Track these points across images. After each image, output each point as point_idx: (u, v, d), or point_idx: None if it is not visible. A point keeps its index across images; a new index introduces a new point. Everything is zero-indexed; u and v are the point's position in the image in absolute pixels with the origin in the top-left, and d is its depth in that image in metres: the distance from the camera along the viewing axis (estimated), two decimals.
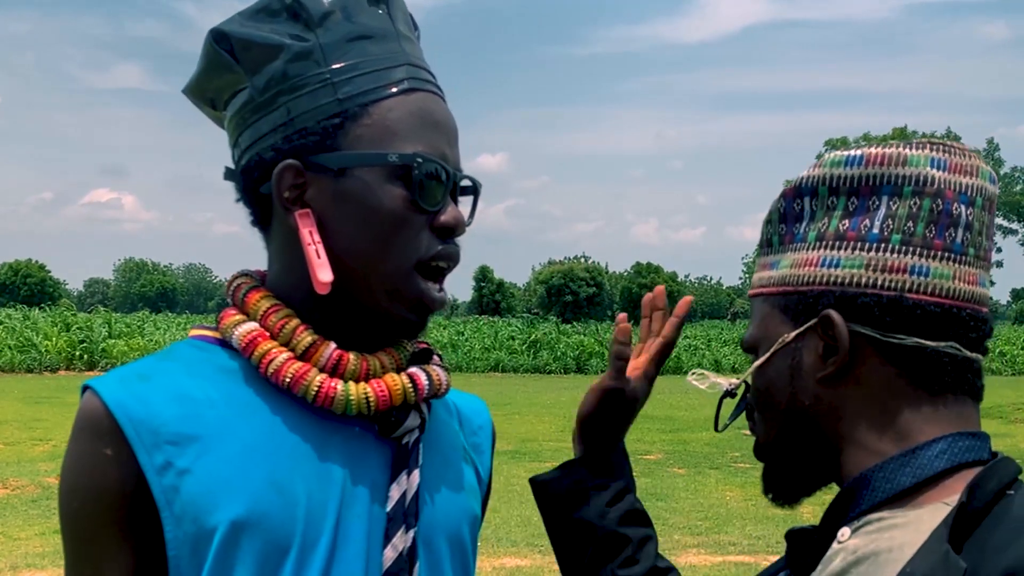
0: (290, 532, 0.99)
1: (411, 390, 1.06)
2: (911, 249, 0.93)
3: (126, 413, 0.98)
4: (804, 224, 0.99)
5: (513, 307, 76.98)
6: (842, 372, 0.94)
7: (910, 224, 0.93)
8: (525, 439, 13.12)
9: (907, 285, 0.92)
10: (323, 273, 1.02)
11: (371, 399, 1.03)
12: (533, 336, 31.99)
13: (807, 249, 0.97)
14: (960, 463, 0.90)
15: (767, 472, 1.04)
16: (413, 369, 1.09)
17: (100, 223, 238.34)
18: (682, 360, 30.30)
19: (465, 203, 1.14)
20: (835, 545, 0.93)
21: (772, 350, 0.98)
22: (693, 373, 1.17)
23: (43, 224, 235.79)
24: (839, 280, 0.94)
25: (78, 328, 27.90)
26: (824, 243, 0.96)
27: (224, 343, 1.08)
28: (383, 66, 1.06)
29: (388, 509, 1.04)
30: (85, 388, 1.02)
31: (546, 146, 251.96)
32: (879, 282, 0.93)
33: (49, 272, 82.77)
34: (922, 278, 0.92)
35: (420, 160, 1.04)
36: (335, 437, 1.05)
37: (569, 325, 42.28)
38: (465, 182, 1.12)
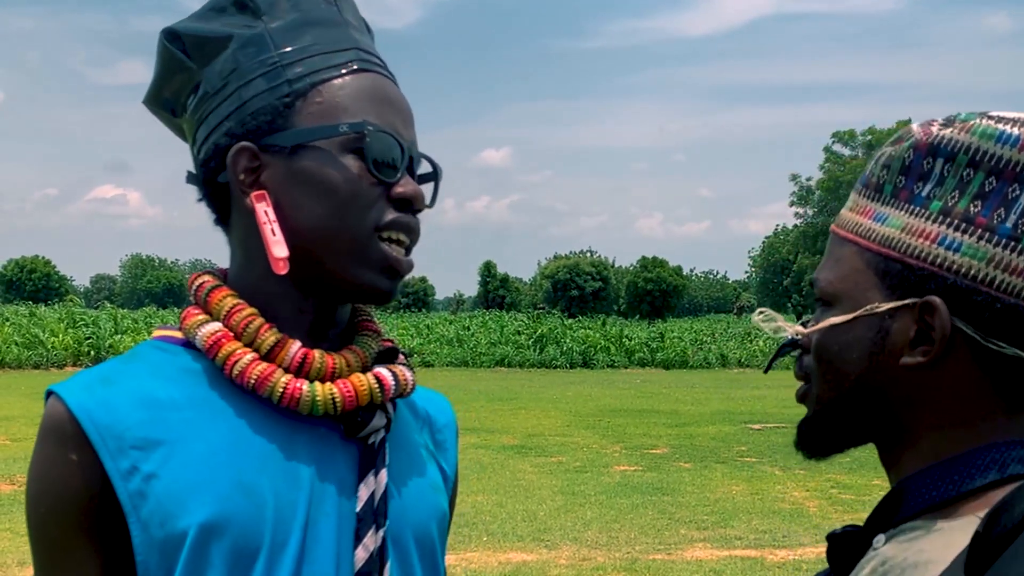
0: (259, 533, 0.98)
1: (377, 390, 1.05)
2: None
3: (91, 418, 0.98)
4: (929, 187, 0.87)
5: (519, 302, 76.96)
6: (929, 363, 0.86)
7: None
8: (531, 434, 13.12)
9: None
10: (278, 249, 1.01)
11: (337, 400, 1.03)
12: (539, 331, 31.96)
13: (926, 218, 0.87)
14: (1011, 475, 0.84)
15: (808, 425, 0.97)
16: (379, 369, 1.08)
17: (106, 219, 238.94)
18: (687, 354, 30.26)
19: (427, 190, 1.13)
20: (870, 552, 0.90)
21: (856, 314, 0.89)
22: (760, 312, 1.06)
23: (48, 220, 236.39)
24: (955, 267, 0.85)
25: (84, 324, 27.96)
26: (948, 220, 0.85)
27: (188, 344, 1.07)
28: (332, 49, 1.07)
29: (358, 509, 1.03)
30: (49, 393, 1.02)
31: (549, 140, 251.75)
32: (998, 283, 0.83)
33: (55, 268, 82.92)
34: None
35: (371, 128, 1.03)
36: (301, 437, 1.04)
37: (575, 320, 42.27)
38: (424, 168, 1.12)
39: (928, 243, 0.86)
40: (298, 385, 1.02)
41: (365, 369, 1.08)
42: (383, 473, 1.05)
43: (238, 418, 1.02)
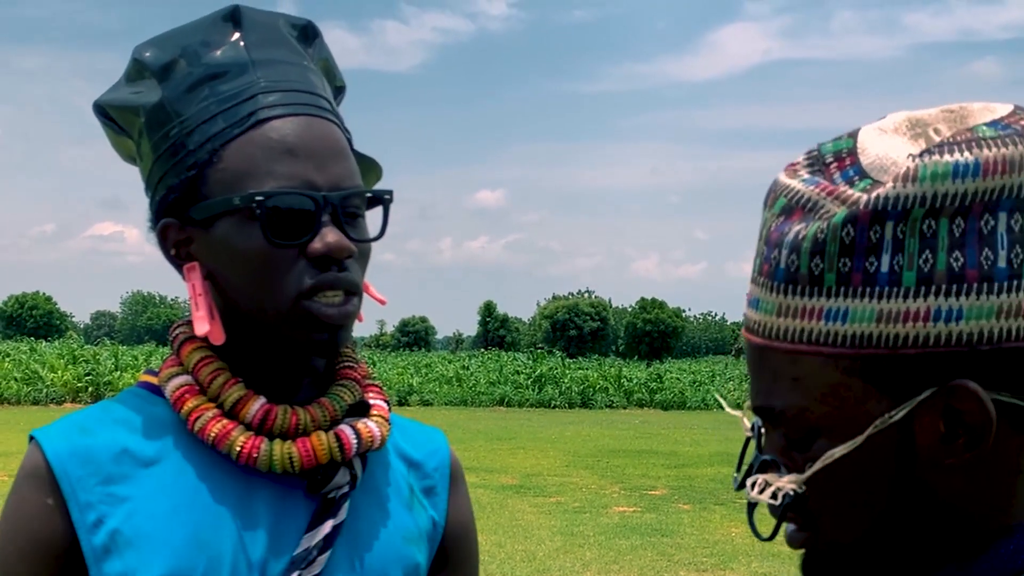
0: None
1: (337, 450, 1.05)
2: None
3: (64, 469, 1.01)
4: (887, 259, 0.70)
5: (518, 341, 76.95)
6: (979, 454, 0.71)
7: None
8: (530, 474, 13.07)
9: None
10: (199, 325, 1.03)
11: (295, 459, 1.03)
12: (538, 371, 31.86)
13: (902, 297, 0.70)
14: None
15: (826, 571, 0.79)
16: (342, 427, 1.07)
17: (104, 256, 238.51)
18: (686, 396, 30.20)
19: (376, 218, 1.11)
20: None
21: (866, 434, 0.72)
22: (754, 484, 0.81)
23: (47, 256, 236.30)
24: (964, 337, 0.69)
25: (84, 361, 27.87)
26: (933, 289, 0.69)
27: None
28: (231, 104, 1.04)
29: (294, 554, 1.04)
30: (31, 437, 1.05)
31: (544, 181, 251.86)
32: (1014, 332, 0.69)
33: (56, 304, 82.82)
34: None
35: (260, 198, 1.00)
36: (263, 493, 1.05)
37: (574, 360, 42.21)
38: (350, 206, 1.05)
39: (923, 324, 0.69)
40: (256, 444, 1.03)
41: (333, 423, 1.07)
42: (328, 523, 1.05)
43: (202, 473, 1.05)
